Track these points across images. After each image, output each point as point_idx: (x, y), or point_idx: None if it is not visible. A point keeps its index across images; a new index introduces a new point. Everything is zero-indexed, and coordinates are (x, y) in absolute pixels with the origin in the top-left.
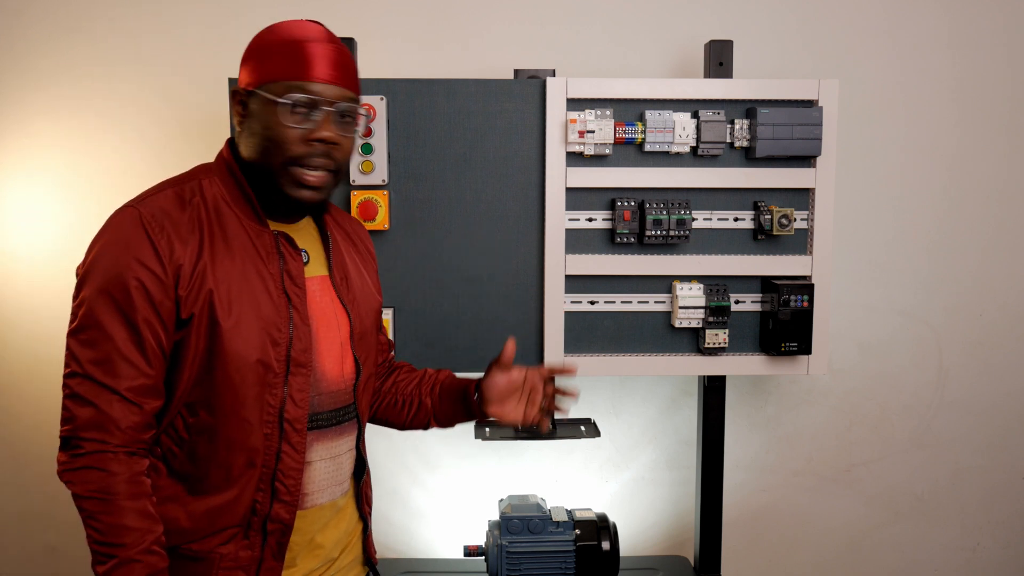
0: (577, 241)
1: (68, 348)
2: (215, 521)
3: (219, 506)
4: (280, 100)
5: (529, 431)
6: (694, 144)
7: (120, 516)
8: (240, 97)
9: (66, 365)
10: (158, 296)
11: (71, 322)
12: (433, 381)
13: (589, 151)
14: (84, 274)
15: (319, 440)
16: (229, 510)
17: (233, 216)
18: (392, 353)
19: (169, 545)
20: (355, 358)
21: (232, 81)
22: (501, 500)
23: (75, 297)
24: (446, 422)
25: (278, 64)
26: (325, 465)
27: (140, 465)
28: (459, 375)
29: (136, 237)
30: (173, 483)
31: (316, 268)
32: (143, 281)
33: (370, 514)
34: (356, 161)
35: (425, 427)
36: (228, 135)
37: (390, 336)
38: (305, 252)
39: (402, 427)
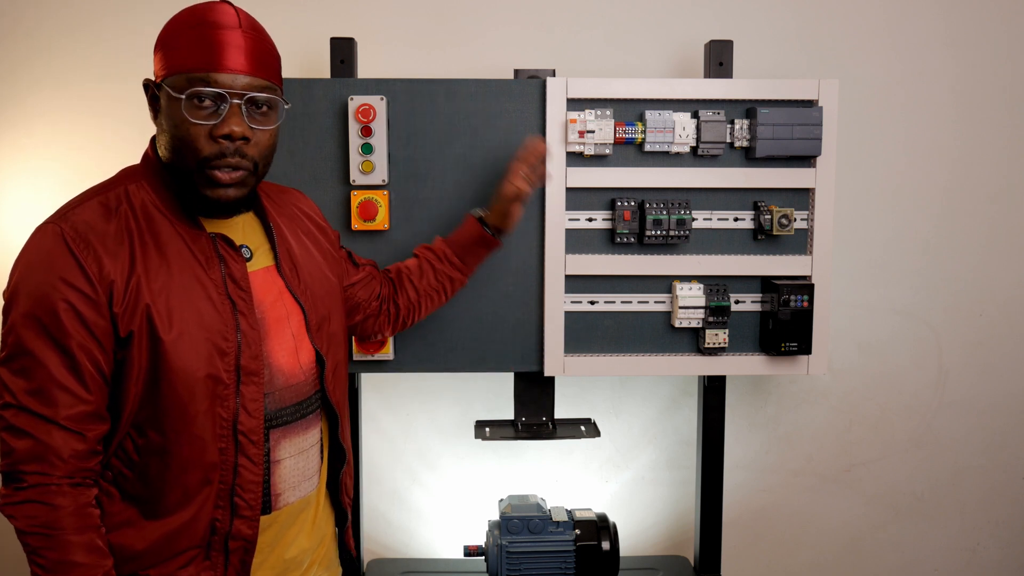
0: (577, 241)
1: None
2: (173, 544)
3: (177, 528)
4: (179, 95)
5: (529, 431)
6: (694, 144)
7: (67, 552)
8: (151, 90)
9: None
10: (91, 317)
11: (2, 351)
12: (444, 257)
13: (589, 151)
14: (9, 299)
15: (286, 437)
16: (187, 531)
17: (165, 222)
18: (380, 270)
19: (126, 573)
20: (315, 349)
21: None
22: (501, 500)
23: (2, 323)
24: (470, 272)
25: (181, 54)
26: (294, 461)
27: (86, 496)
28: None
29: (59, 256)
30: (127, 507)
31: (261, 260)
32: (72, 303)
33: (350, 505)
34: (356, 161)
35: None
36: None
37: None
38: (247, 248)
39: (447, 302)
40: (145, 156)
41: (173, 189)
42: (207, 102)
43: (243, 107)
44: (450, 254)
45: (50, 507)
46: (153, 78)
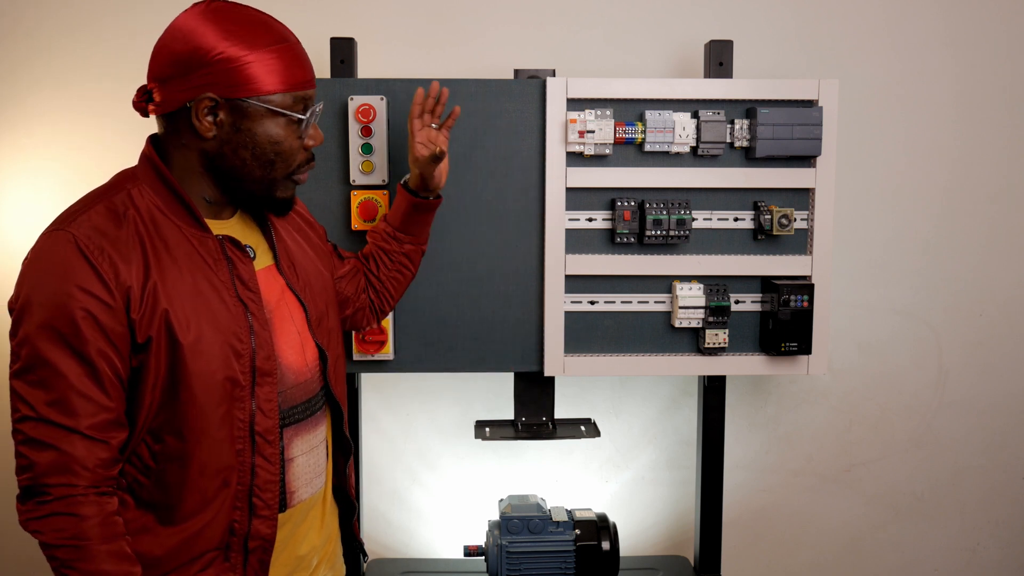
0: (577, 241)
1: (15, 391)
2: (192, 548)
3: (195, 532)
4: (286, 112)
5: (529, 431)
6: (694, 144)
7: (97, 562)
8: (207, 105)
9: (14, 410)
10: (109, 324)
11: (12, 363)
12: (390, 237)
13: (589, 151)
14: (20, 309)
15: (298, 434)
16: (206, 534)
17: (171, 225)
18: (357, 255)
19: None
20: (317, 345)
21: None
22: (501, 500)
23: (12, 335)
24: (425, 238)
25: (271, 71)
26: (306, 459)
27: (111, 504)
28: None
29: (74, 263)
30: (143, 514)
31: (262, 260)
32: (90, 310)
33: (357, 498)
34: (356, 161)
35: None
36: None
37: (389, 330)
38: (251, 248)
39: (416, 272)
40: (145, 158)
41: (176, 192)
42: (295, 116)
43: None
44: (392, 231)
45: (78, 518)
46: (211, 95)
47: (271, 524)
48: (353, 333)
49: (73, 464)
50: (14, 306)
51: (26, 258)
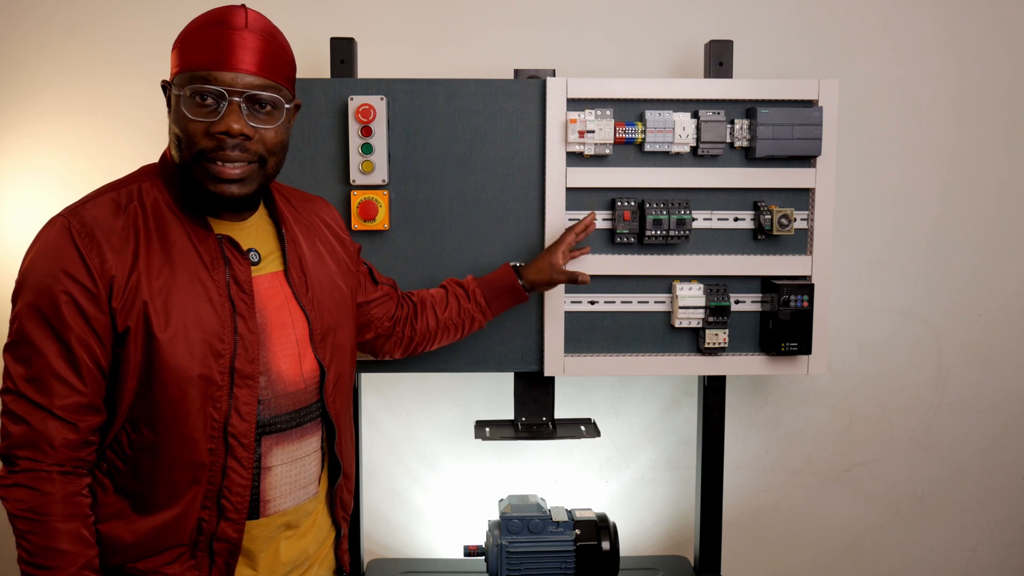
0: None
1: (4, 364)
2: (161, 540)
3: (164, 524)
4: (179, 92)
5: (529, 431)
6: (694, 144)
7: (51, 538)
8: (168, 90)
9: (2, 381)
10: (90, 310)
11: (8, 336)
12: (472, 296)
13: (589, 151)
14: (17, 287)
15: (279, 444)
16: (175, 528)
17: (175, 221)
18: (399, 291)
19: (113, 564)
20: (317, 360)
21: None
22: (501, 500)
23: (12, 310)
24: (492, 317)
25: (189, 53)
26: (286, 469)
27: (76, 485)
28: (475, 288)
29: (64, 249)
30: (119, 500)
31: (271, 264)
32: (73, 295)
33: (346, 520)
34: (356, 161)
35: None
36: None
37: None
38: (255, 252)
39: (460, 339)
40: (163, 155)
41: (185, 188)
42: (208, 100)
43: (243, 105)
44: (479, 295)
45: (38, 493)
46: (164, 79)
47: (238, 528)
48: None
49: (40, 441)
50: (16, 283)
51: (33, 240)
